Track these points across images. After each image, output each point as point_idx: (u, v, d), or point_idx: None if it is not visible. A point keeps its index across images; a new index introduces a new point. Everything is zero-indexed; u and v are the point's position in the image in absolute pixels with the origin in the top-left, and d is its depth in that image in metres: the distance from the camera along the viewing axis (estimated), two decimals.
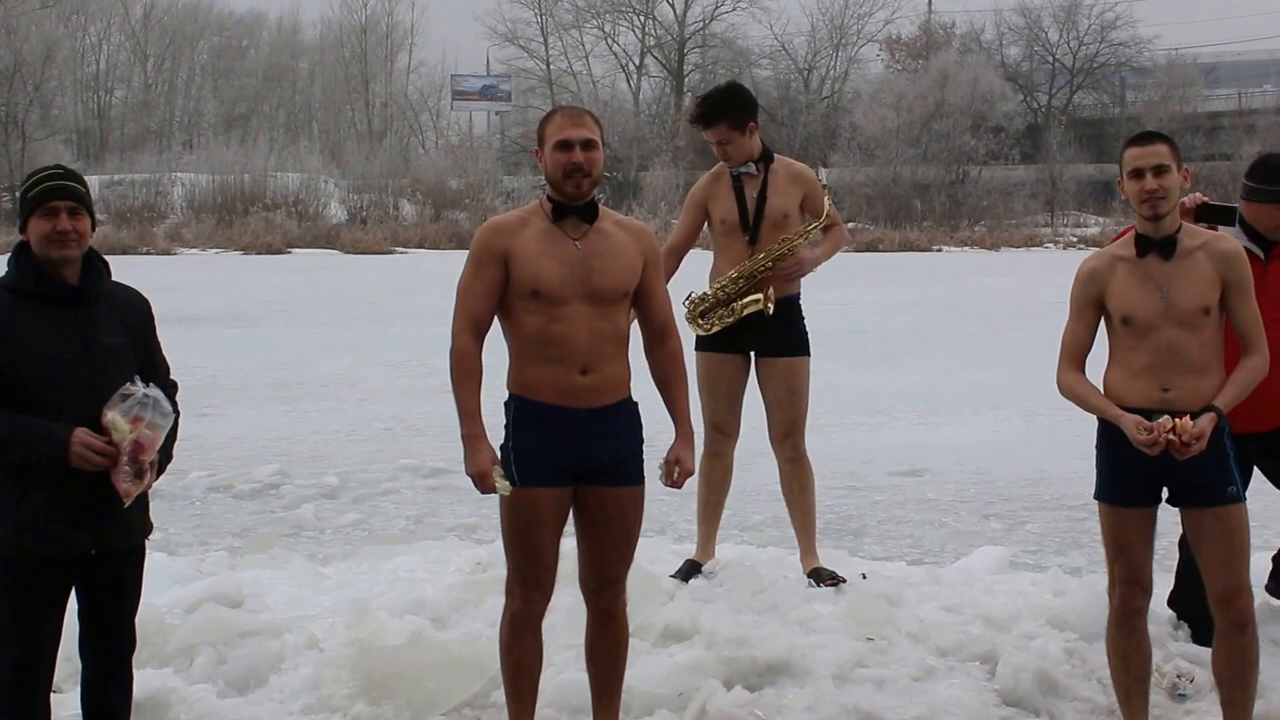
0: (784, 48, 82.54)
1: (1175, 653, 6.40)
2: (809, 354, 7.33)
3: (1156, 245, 5.39)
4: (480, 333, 5.23)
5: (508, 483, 5.12)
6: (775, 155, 7.34)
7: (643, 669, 6.08)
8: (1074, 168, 69.31)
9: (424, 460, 12.57)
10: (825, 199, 7.35)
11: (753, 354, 7.28)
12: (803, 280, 7.32)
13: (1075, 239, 61.05)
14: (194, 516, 10.86)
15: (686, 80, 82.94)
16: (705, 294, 7.20)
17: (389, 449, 13.54)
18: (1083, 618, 6.70)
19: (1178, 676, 6.24)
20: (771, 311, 7.10)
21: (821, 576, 7.11)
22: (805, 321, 7.36)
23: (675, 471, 5.37)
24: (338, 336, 23.85)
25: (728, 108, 7.21)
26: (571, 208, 5.25)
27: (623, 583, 5.43)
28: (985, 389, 17.32)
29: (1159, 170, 5.34)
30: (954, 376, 18.56)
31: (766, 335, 7.17)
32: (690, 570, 7.30)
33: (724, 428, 7.33)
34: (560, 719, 5.90)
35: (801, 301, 7.35)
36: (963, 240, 60.24)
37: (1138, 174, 5.36)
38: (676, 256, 7.35)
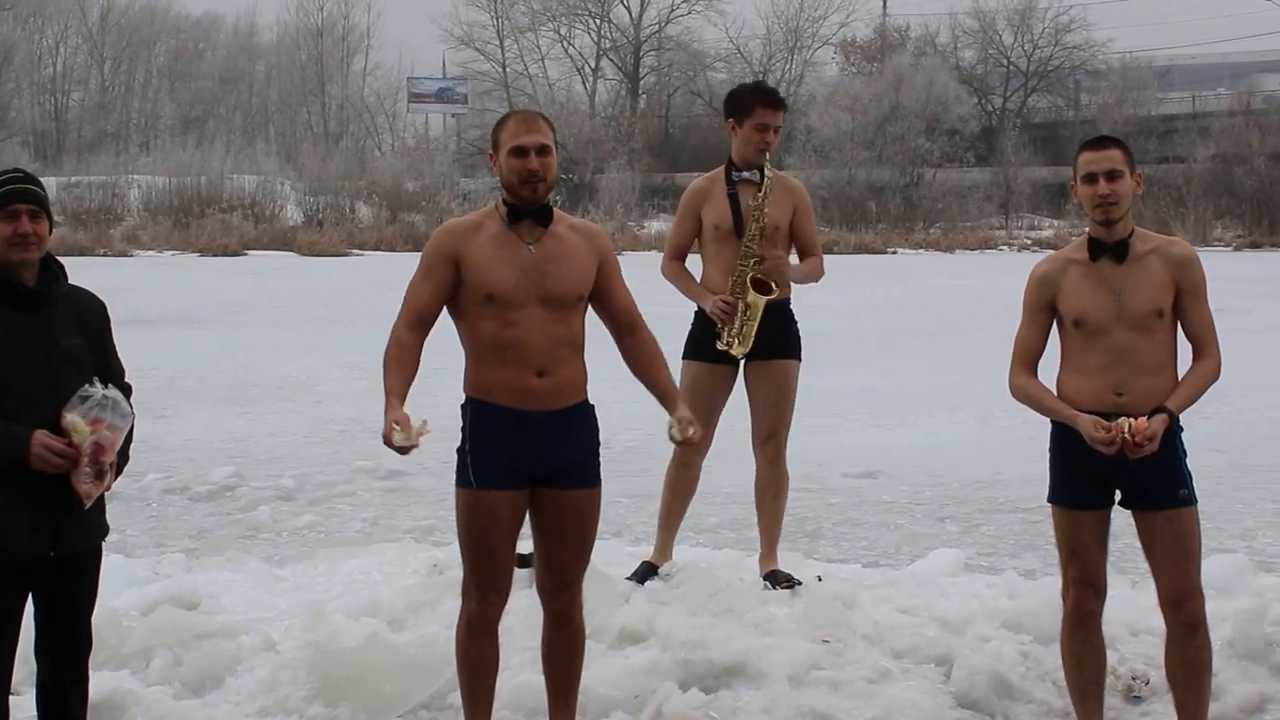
0: (739, 51, 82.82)
1: (1130, 655, 6.45)
2: (800, 358, 7.30)
3: (1109, 249, 5.43)
4: (422, 329, 5.25)
5: (404, 434, 5.00)
6: (769, 169, 7.25)
7: (599, 671, 6.09)
8: (1028, 170, 69.54)
9: (380, 462, 12.55)
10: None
11: (742, 360, 7.20)
12: (792, 284, 7.28)
13: (1030, 241, 61.26)
14: (150, 518, 10.82)
15: (642, 83, 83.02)
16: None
17: (345, 451, 13.52)
18: (1038, 620, 6.73)
19: (1133, 679, 6.29)
20: (777, 291, 7.04)
21: (778, 579, 7.11)
22: (798, 325, 7.32)
23: (691, 428, 5.33)
24: (294, 338, 23.78)
25: (785, 104, 7.28)
26: (526, 212, 5.26)
27: (579, 585, 5.45)
28: (941, 391, 17.39)
29: (1112, 175, 5.37)
30: (910, 379, 18.63)
31: (759, 338, 7.09)
32: (646, 572, 7.30)
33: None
34: None
35: (793, 306, 7.32)
36: (917, 243, 60.39)
37: (1090, 179, 5.40)
38: (681, 259, 7.34)
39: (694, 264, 7.35)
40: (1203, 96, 75.17)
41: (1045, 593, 6.98)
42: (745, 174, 7.16)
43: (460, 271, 5.21)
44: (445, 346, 5.26)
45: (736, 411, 7.38)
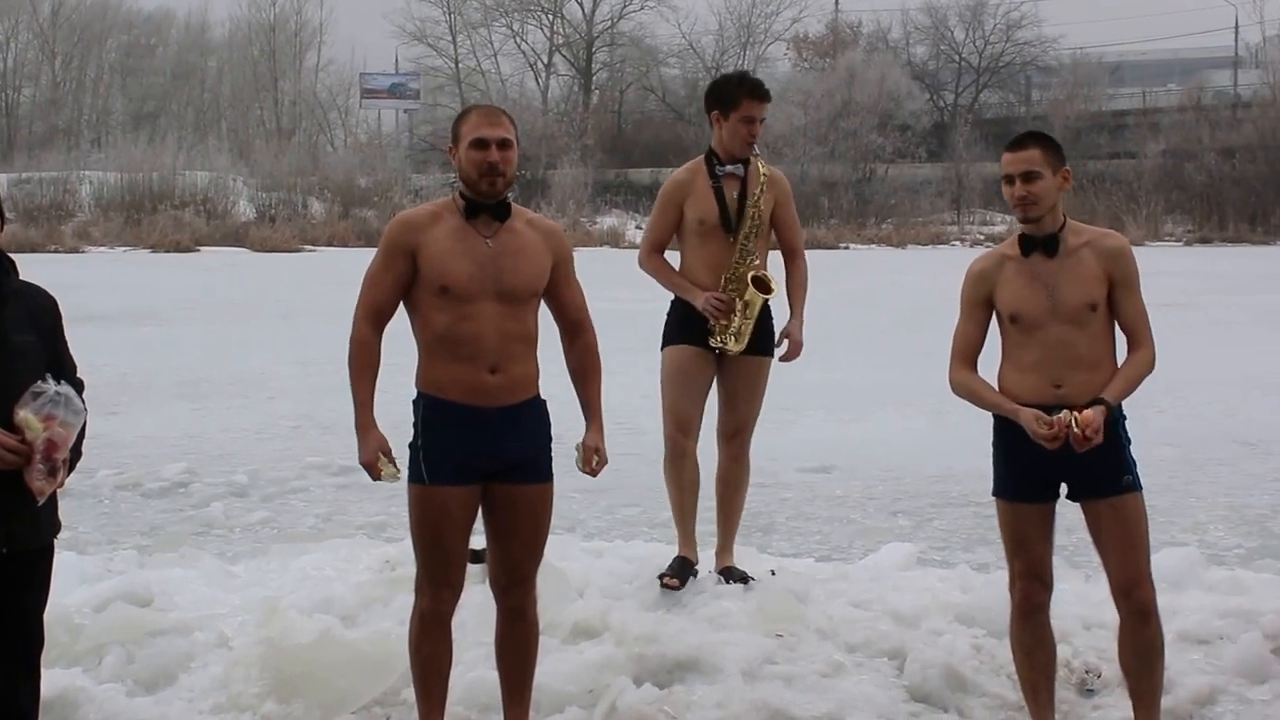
0: (692, 46, 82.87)
1: (1083, 648, 6.48)
2: (773, 355, 7.23)
3: (1040, 244, 5.47)
4: (381, 324, 5.26)
5: (393, 469, 5.14)
6: (763, 162, 7.20)
7: (552, 666, 6.08)
8: (980, 166, 69.71)
9: (333, 458, 12.52)
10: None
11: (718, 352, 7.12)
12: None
13: (981, 236, 61.49)
14: (102, 515, 10.77)
15: (595, 79, 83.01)
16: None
17: (298, 447, 13.48)
18: (990, 614, 6.75)
19: (1085, 672, 6.32)
20: (776, 290, 6.99)
21: (732, 575, 7.07)
22: (774, 321, 7.24)
23: (595, 459, 5.41)
24: (246, 334, 23.69)
25: (770, 96, 7.24)
26: (484, 206, 5.26)
27: (533, 580, 5.45)
28: (893, 386, 17.45)
29: (1027, 177, 5.41)
30: (862, 374, 18.69)
31: None
32: (683, 568, 7.10)
33: (688, 426, 7.11)
34: (470, 716, 5.90)
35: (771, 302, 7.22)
36: (869, 238, 60.59)
37: (1008, 180, 5.45)
38: (661, 252, 7.24)
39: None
40: (1153, 92, 75.63)
41: (998, 586, 6.98)
42: (729, 168, 7.09)
43: (417, 263, 5.20)
44: (399, 341, 5.24)
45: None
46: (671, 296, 7.21)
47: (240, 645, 6.34)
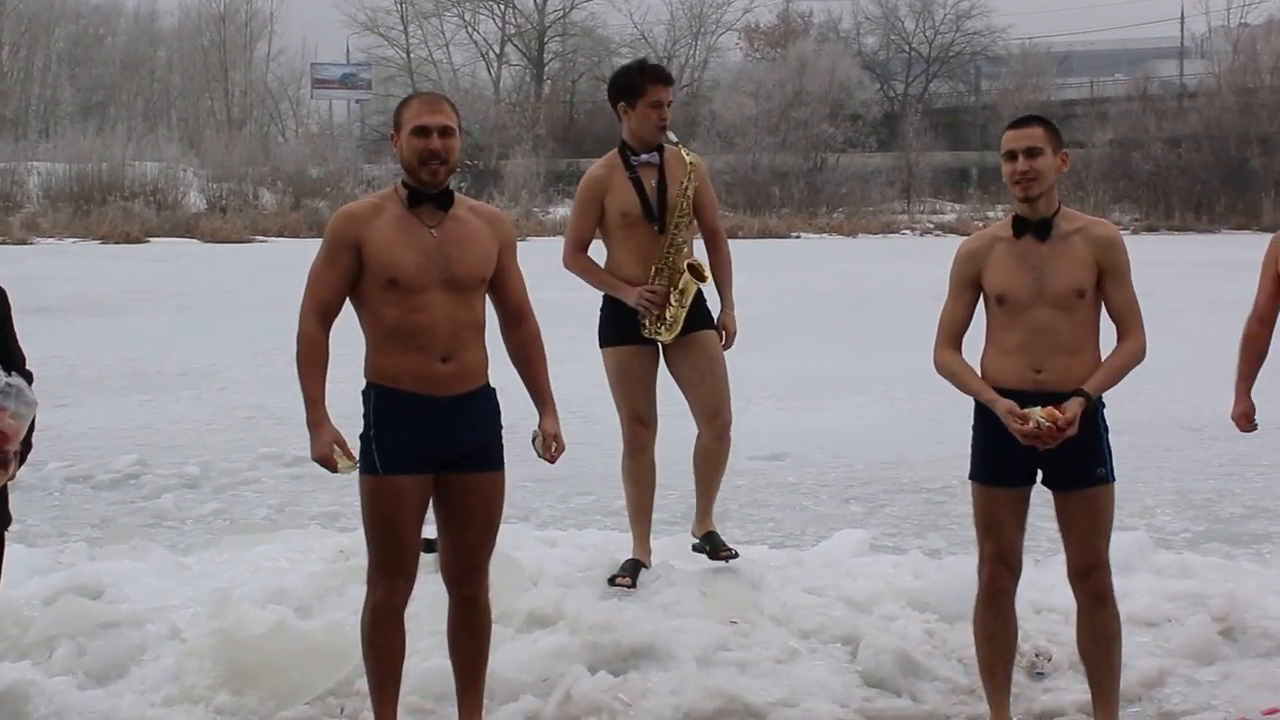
0: (644, 36, 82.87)
1: (1033, 632, 6.52)
2: (715, 328, 7.15)
3: (1033, 227, 5.48)
4: (328, 320, 5.22)
5: (349, 461, 5.13)
6: (665, 144, 7.14)
7: (507, 655, 6.09)
8: (930, 155, 70.12)
9: (285, 449, 12.48)
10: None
11: (660, 344, 7.10)
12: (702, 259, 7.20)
13: (931, 225, 61.74)
14: (52, 507, 10.71)
15: (547, 69, 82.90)
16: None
17: (250, 438, 13.43)
18: (943, 599, 6.81)
19: (1036, 655, 6.37)
20: (709, 278, 6.97)
21: (716, 545, 7.02)
22: (707, 303, 7.17)
23: (554, 446, 5.41)
24: (197, 325, 23.58)
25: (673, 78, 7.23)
26: (427, 195, 5.24)
27: (486, 569, 5.44)
28: (845, 374, 17.50)
29: (1031, 152, 5.42)
30: (814, 362, 18.73)
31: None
32: (636, 567, 7.09)
33: (644, 419, 7.12)
34: (425, 706, 5.91)
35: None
36: (821, 227, 60.66)
37: (1011, 156, 5.45)
38: (584, 250, 7.20)
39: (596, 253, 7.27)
40: (1101, 82, 76.04)
41: (950, 572, 7.06)
42: (644, 157, 7.04)
43: (362, 257, 5.16)
44: (345, 332, 5.23)
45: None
46: (601, 295, 7.18)
47: (193, 637, 6.33)
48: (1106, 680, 5.63)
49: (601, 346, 7.20)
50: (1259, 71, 66.33)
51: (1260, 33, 69.52)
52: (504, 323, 5.49)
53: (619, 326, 7.08)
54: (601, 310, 7.21)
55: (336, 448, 5.12)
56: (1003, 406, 5.34)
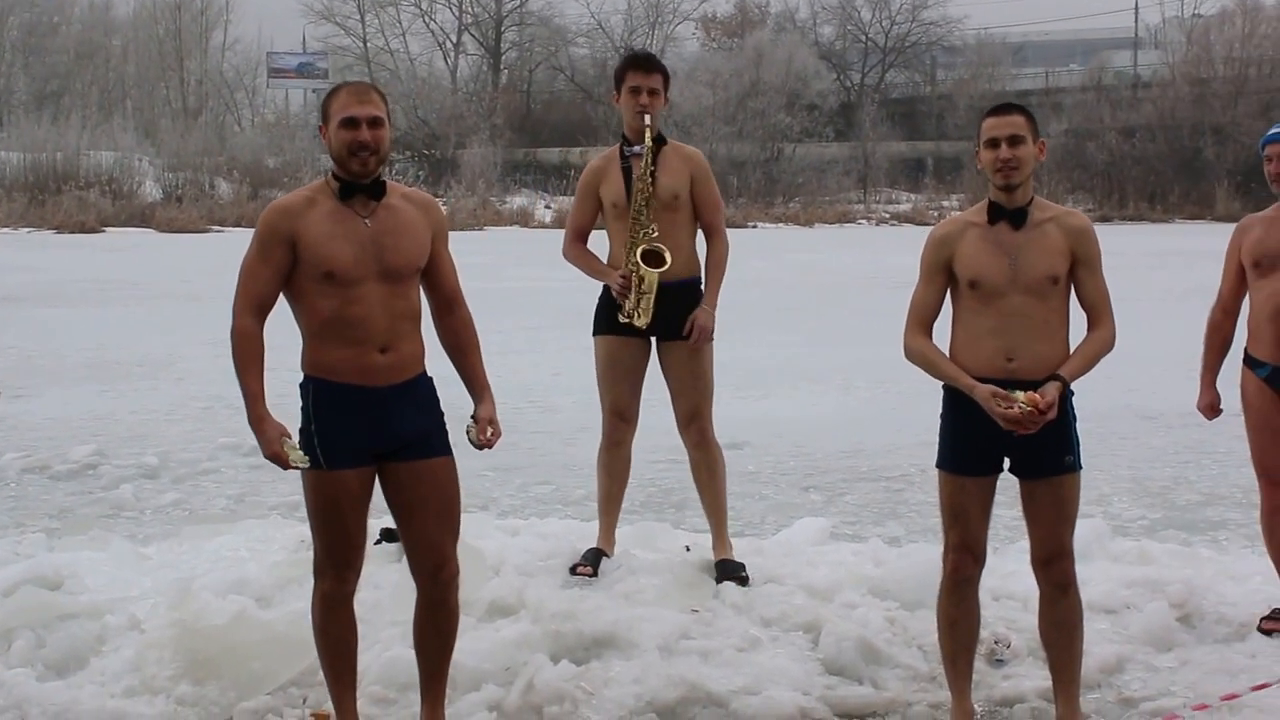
0: (601, 26, 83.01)
1: (992, 619, 6.55)
2: (711, 337, 7.17)
3: (1008, 214, 5.49)
4: (262, 315, 5.18)
5: (301, 454, 5.09)
6: (668, 139, 7.17)
7: (469, 644, 6.08)
8: (886, 145, 70.32)
9: (244, 439, 12.36)
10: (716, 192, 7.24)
11: (654, 339, 7.11)
12: (699, 261, 7.18)
13: (887, 215, 61.94)
14: (9, 498, 10.64)
15: (504, 58, 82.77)
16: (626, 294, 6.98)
17: (208, 428, 13.37)
18: (903, 587, 6.84)
19: (995, 643, 6.40)
20: (670, 260, 6.92)
21: (728, 571, 6.99)
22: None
23: (489, 430, 5.36)
24: (154, 316, 23.47)
25: (664, 67, 7.21)
26: (359, 186, 5.21)
27: (454, 562, 5.39)
28: (803, 363, 17.53)
29: (1014, 140, 5.44)
30: (772, 351, 18.76)
31: (668, 319, 6.99)
32: (598, 557, 7.13)
33: (625, 413, 7.17)
34: (388, 696, 5.89)
35: (703, 285, 7.20)
36: (778, 217, 60.76)
37: (993, 143, 5.45)
38: (583, 240, 7.25)
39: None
40: (1055, 72, 76.44)
41: (910, 559, 7.10)
42: (637, 148, 7.05)
43: (296, 251, 5.13)
44: (281, 324, 5.21)
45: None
46: (601, 284, 7.18)
47: (152, 628, 6.30)
48: (1068, 668, 5.66)
49: (593, 334, 7.21)
50: (1212, 62, 66.69)
51: (1213, 23, 69.93)
52: (436, 310, 5.46)
53: (610, 316, 7.11)
54: (599, 300, 7.23)
55: (287, 441, 5.08)
56: (984, 391, 5.34)
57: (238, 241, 39.34)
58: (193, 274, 31.71)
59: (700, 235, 7.24)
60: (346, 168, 5.18)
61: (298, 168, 61.11)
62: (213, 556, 7.47)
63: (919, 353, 5.57)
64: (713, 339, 7.11)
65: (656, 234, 6.96)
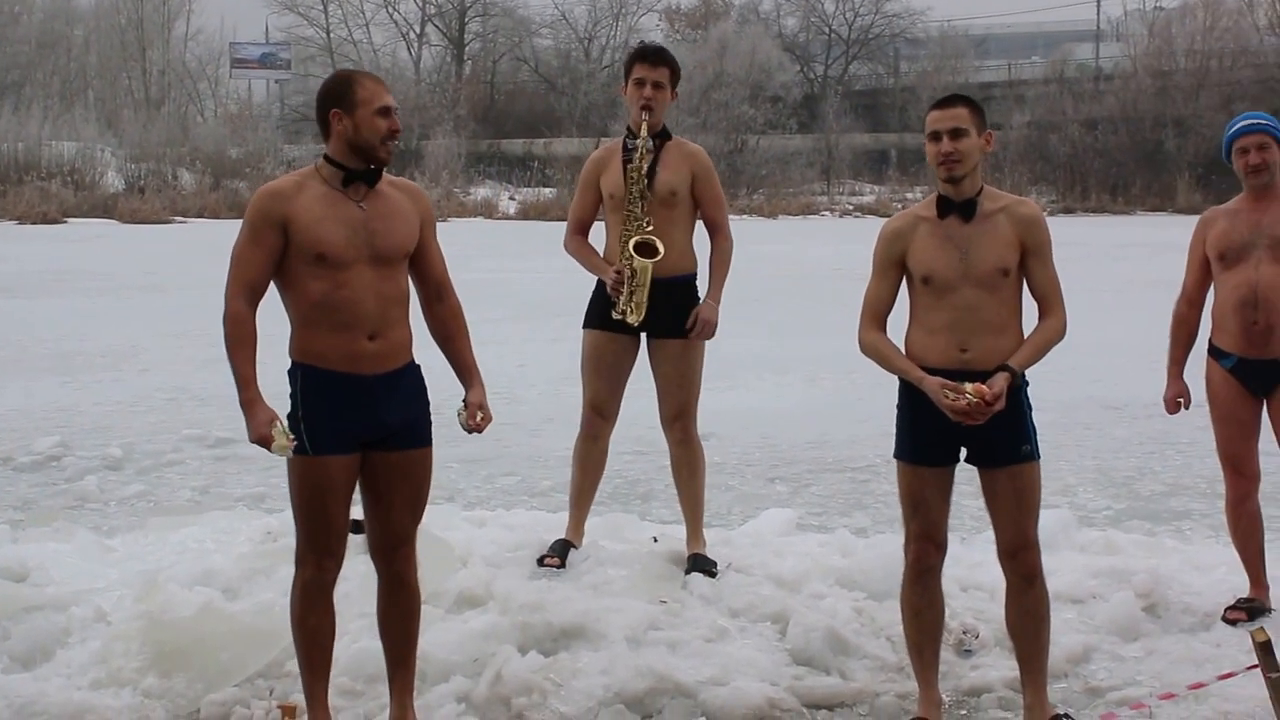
0: (564, 17, 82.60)
1: (960, 609, 6.58)
2: (714, 333, 7.16)
3: (957, 207, 5.51)
4: (255, 300, 5.16)
5: (288, 437, 5.05)
6: (673, 135, 7.15)
7: (437, 636, 6.09)
8: (850, 137, 70.37)
9: (209, 430, 12.41)
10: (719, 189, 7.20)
11: (644, 335, 7.09)
12: (696, 257, 7.17)
13: (851, 207, 62.02)
14: None
15: (467, 49, 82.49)
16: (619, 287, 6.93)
17: (173, 419, 13.33)
18: (870, 577, 6.85)
19: (963, 633, 6.43)
20: (663, 251, 6.87)
21: (699, 565, 6.98)
22: (699, 303, 7.15)
23: (479, 415, 5.39)
24: (117, 307, 23.35)
25: (673, 61, 7.18)
26: (359, 173, 5.22)
27: (413, 544, 5.44)
28: (768, 355, 17.55)
29: (955, 134, 5.45)
30: (737, 342, 18.71)
31: (660, 315, 6.96)
32: (565, 548, 7.11)
33: (603, 410, 7.15)
34: (356, 687, 5.89)
35: (698, 282, 7.19)
36: (741, 208, 60.68)
37: (935, 137, 5.47)
38: (584, 233, 7.22)
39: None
40: (1018, 65, 76.58)
41: (877, 550, 7.11)
42: (639, 140, 7.01)
43: (288, 233, 5.13)
44: (268, 312, 5.19)
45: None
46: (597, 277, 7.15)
47: (119, 620, 6.29)
48: (1035, 657, 5.68)
49: (583, 327, 7.20)
50: (1174, 54, 66.94)
51: (1175, 16, 70.18)
52: (425, 298, 5.48)
53: (601, 311, 7.09)
54: (593, 293, 7.20)
55: (277, 424, 5.06)
56: (933, 383, 5.36)
57: (201, 232, 39.15)
58: (156, 265, 31.60)
59: (703, 234, 7.20)
60: (373, 155, 5.21)
61: (260, 158, 60.90)
62: (178, 548, 7.44)
63: (872, 346, 5.60)
64: (714, 335, 7.09)
65: (651, 228, 6.94)
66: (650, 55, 7.13)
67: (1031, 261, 5.52)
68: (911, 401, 5.54)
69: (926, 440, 5.54)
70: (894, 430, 5.69)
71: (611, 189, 7.05)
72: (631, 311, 6.93)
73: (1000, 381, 5.34)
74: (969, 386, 5.31)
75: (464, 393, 5.47)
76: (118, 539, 7.94)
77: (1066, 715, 5.73)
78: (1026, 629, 5.66)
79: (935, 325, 5.50)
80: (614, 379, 7.14)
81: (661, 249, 6.88)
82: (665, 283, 6.95)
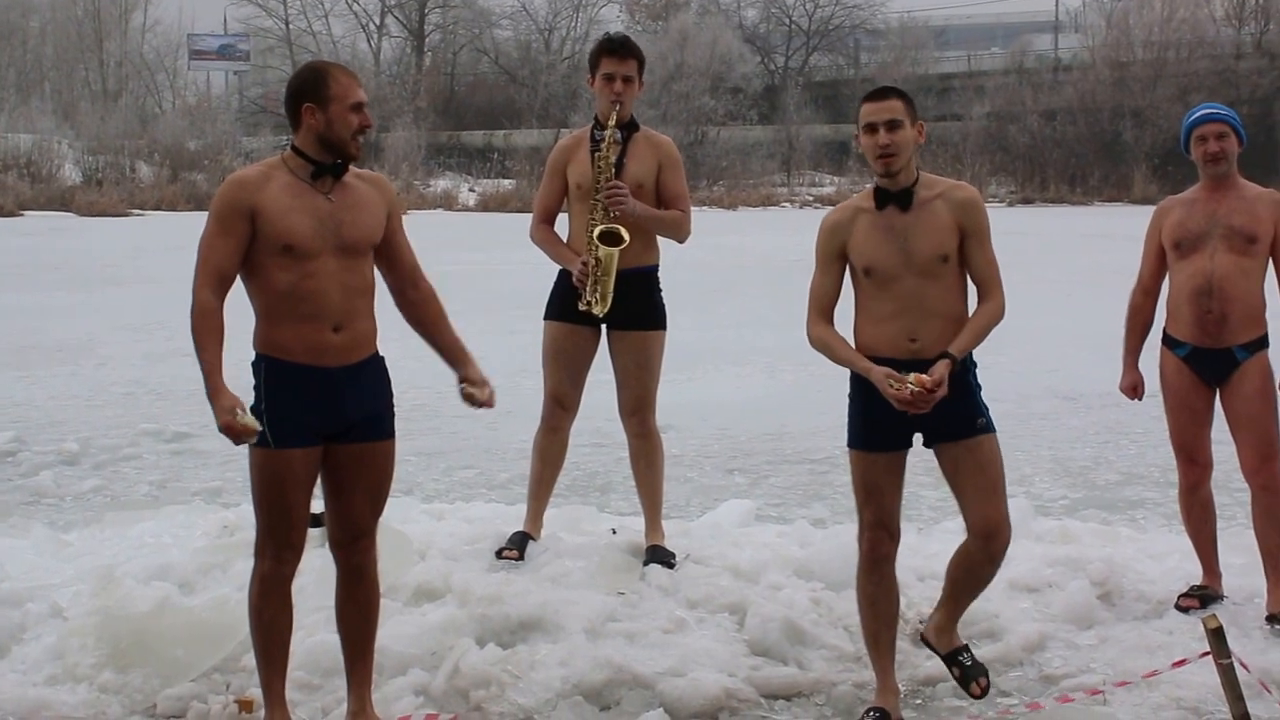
0: (524, 8, 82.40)
1: (917, 599, 6.61)
2: (664, 327, 7.18)
3: (894, 197, 5.53)
4: (223, 290, 5.15)
5: (252, 421, 5.03)
6: (641, 126, 7.14)
7: (395, 629, 6.09)
8: (810, 128, 70.46)
9: (166, 424, 12.37)
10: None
11: (605, 326, 7.08)
12: (659, 250, 7.19)
13: (811, 198, 62.07)
14: None
15: (427, 40, 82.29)
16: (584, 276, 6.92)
17: (130, 414, 13.28)
18: (828, 568, 6.87)
19: (920, 622, 6.45)
20: (628, 240, 6.86)
21: (657, 556, 6.98)
22: (663, 294, 7.20)
23: (486, 390, 5.42)
24: (74, 300, 23.22)
25: (639, 51, 7.16)
26: (327, 166, 5.21)
27: (373, 537, 5.45)
28: (727, 346, 17.58)
29: (891, 125, 5.46)
30: (697, 334, 18.78)
31: (620, 306, 6.96)
32: (523, 540, 7.12)
33: (564, 401, 7.15)
34: (313, 681, 5.88)
35: (660, 274, 7.19)
36: (702, 200, 60.68)
37: (871, 129, 5.49)
38: (550, 221, 7.20)
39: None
40: (977, 56, 76.85)
41: (835, 540, 7.13)
42: (607, 132, 7.02)
43: (256, 224, 5.12)
44: (233, 304, 5.18)
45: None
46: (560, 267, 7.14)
47: (75, 615, 6.26)
48: (965, 597, 5.81)
49: (544, 318, 7.18)
50: (1131, 45, 67.21)
51: (1132, 6, 70.40)
52: (398, 288, 5.48)
53: (563, 302, 7.09)
54: (554, 284, 7.19)
55: (239, 412, 5.03)
56: (879, 373, 5.39)
57: (159, 225, 38.93)
58: (114, 258, 31.44)
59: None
60: (346, 150, 5.22)
61: (219, 151, 60.67)
62: (135, 543, 7.40)
63: (819, 340, 5.63)
64: (625, 204, 6.92)
65: (607, 214, 6.92)
66: (619, 48, 7.11)
67: (970, 244, 5.55)
68: (861, 391, 5.58)
69: (878, 426, 5.57)
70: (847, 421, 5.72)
71: (578, 179, 7.05)
72: (597, 302, 6.93)
73: (941, 369, 5.36)
74: (911, 377, 5.34)
75: (459, 372, 5.47)
76: (74, 534, 7.91)
77: (968, 650, 5.83)
78: (967, 584, 5.76)
79: (881, 315, 5.54)
80: (575, 370, 7.14)
81: (626, 237, 6.87)
82: (627, 275, 6.95)
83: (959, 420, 5.52)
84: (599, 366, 7.20)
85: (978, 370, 5.60)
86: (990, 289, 5.58)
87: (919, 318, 5.48)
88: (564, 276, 7.10)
